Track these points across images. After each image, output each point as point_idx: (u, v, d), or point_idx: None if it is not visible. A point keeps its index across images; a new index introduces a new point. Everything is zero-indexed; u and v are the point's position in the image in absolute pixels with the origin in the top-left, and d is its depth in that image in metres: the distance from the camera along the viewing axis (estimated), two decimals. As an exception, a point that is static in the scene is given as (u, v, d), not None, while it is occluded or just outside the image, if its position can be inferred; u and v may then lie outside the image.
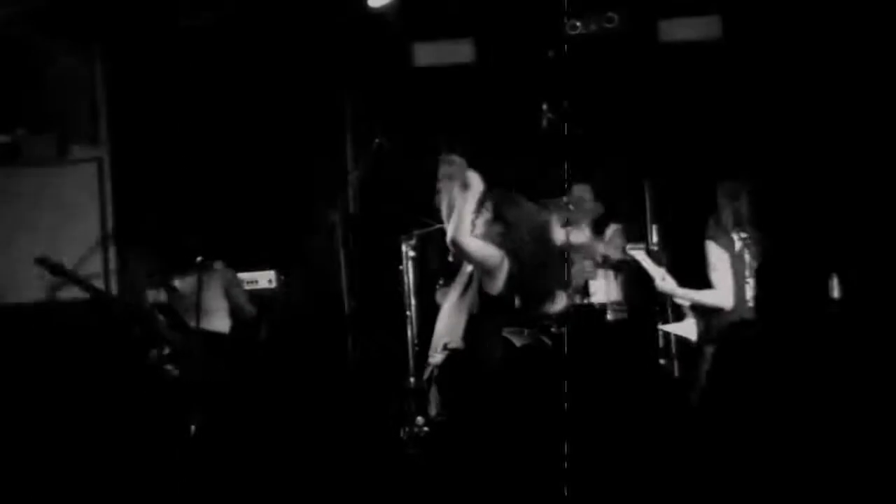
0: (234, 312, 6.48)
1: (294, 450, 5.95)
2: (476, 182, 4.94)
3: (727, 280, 6.02)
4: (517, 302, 4.98)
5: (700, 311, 6.07)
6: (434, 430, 5.11)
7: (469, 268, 5.03)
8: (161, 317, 6.18)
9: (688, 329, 6.09)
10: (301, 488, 5.63)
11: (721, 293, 5.99)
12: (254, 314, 6.56)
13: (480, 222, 4.96)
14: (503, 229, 4.92)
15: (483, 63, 7.67)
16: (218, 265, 6.48)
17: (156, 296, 6.32)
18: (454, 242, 4.84)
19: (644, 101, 7.48)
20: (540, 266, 4.95)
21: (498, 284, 4.89)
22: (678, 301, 6.10)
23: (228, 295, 6.46)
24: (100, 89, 7.86)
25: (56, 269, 6.05)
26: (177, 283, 6.36)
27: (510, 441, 5.02)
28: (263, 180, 7.69)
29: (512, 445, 5.03)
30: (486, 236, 4.93)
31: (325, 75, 7.76)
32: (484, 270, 4.91)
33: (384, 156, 6.46)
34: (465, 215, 4.86)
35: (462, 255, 4.93)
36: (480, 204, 4.96)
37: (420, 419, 5.13)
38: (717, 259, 6.04)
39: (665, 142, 7.31)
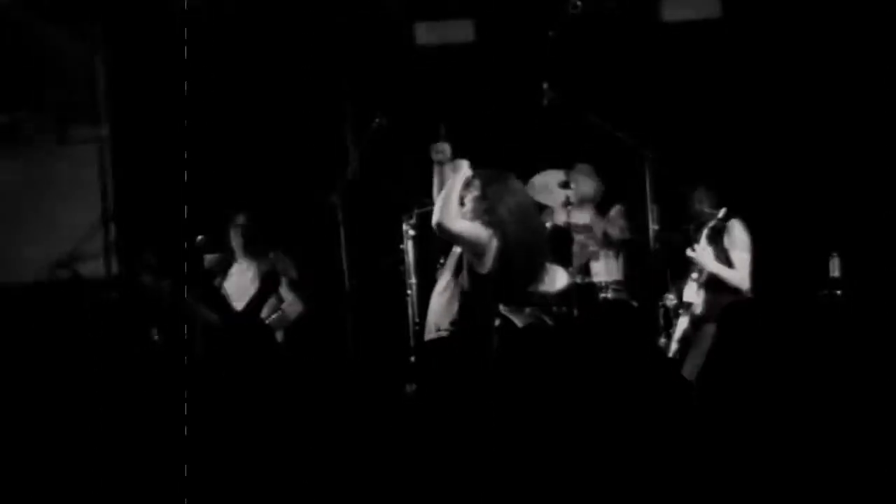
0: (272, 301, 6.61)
1: (296, 428, 5.96)
2: (463, 167, 4.95)
3: (747, 261, 6.05)
4: (505, 280, 4.98)
5: (710, 289, 6.08)
6: (431, 411, 5.11)
7: (458, 249, 5.03)
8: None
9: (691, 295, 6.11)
10: (303, 467, 5.64)
11: (742, 273, 6.03)
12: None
13: (469, 199, 4.97)
14: (487, 206, 4.93)
15: (484, 42, 7.65)
16: (273, 256, 6.64)
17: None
18: (439, 225, 4.86)
19: (645, 81, 7.47)
20: (523, 244, 4.95)
21: (486, 263, 4.88)
22: (693, 276, 6.09)
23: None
24: (100, 70, 7.84)
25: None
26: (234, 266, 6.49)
27: (509, 422, 5.03)
28: (263, 160, 7.68)
29: (513, 427, 5.03)
30: (475, 214, 4.94)
31: (324, 56, 7.74)
32: (472, 251, 4.91)
33: (383, 135, 6.46)
34: (451, 199, 4.86)
35: (448, 237, 4.94)
36: (467, 186, 4.96)
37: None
38: (743, 239, 6.07)
39: (666, 121, 7.29)
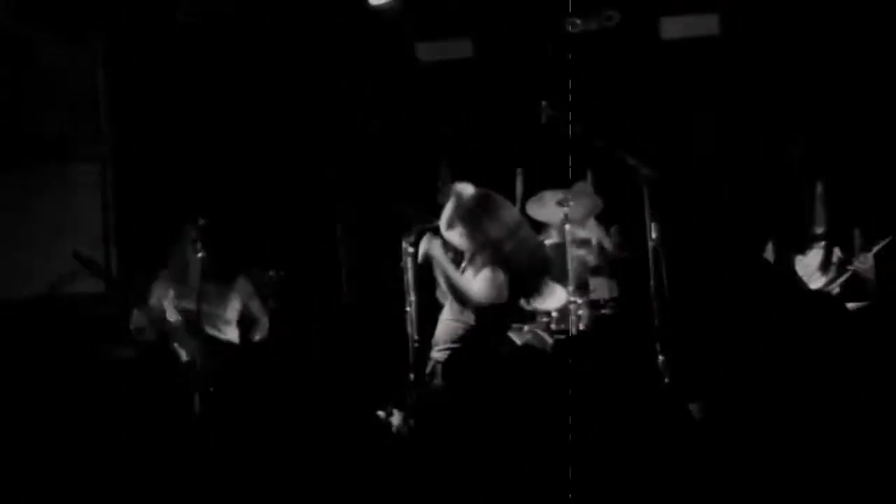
0: (246, 322, 6.47)
1: (293, 443, 5.96)
2: (436, 247, 5.11)
3: None
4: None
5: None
6: (434, 424, 5.14)
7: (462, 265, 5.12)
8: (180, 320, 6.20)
9: None
10: (299, 478, 5.64)
11: None
12: (265, 325, 6.57)
13: (456, 236, 5.12)
14: (477, 234, 5.05)
15: (483, 60, 7.68)
16: (251, 274, 6.52)
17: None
18: (471, 307, 5.02)
19: (644, 98, 7.49)
20: (521, 263, 5.03)
21: (504, 295, 5.06)
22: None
23: (246, 307, 6.47)
24: (101, 87, 7.86)
25: (89, 265, 6.20)
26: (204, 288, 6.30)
27: (509, 438, 5.04)
28: (265, 176, 7.70)
29: (511, 442, 5.05)
30: (472, 251, 5.06)
31: (325, 71, 7.77)
32: (501, 299, 5.03)
33: (381, 146, 6.47)
34: (453, 279, 5.04)
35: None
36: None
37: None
38: None
39: (665, 138, 7.31)
